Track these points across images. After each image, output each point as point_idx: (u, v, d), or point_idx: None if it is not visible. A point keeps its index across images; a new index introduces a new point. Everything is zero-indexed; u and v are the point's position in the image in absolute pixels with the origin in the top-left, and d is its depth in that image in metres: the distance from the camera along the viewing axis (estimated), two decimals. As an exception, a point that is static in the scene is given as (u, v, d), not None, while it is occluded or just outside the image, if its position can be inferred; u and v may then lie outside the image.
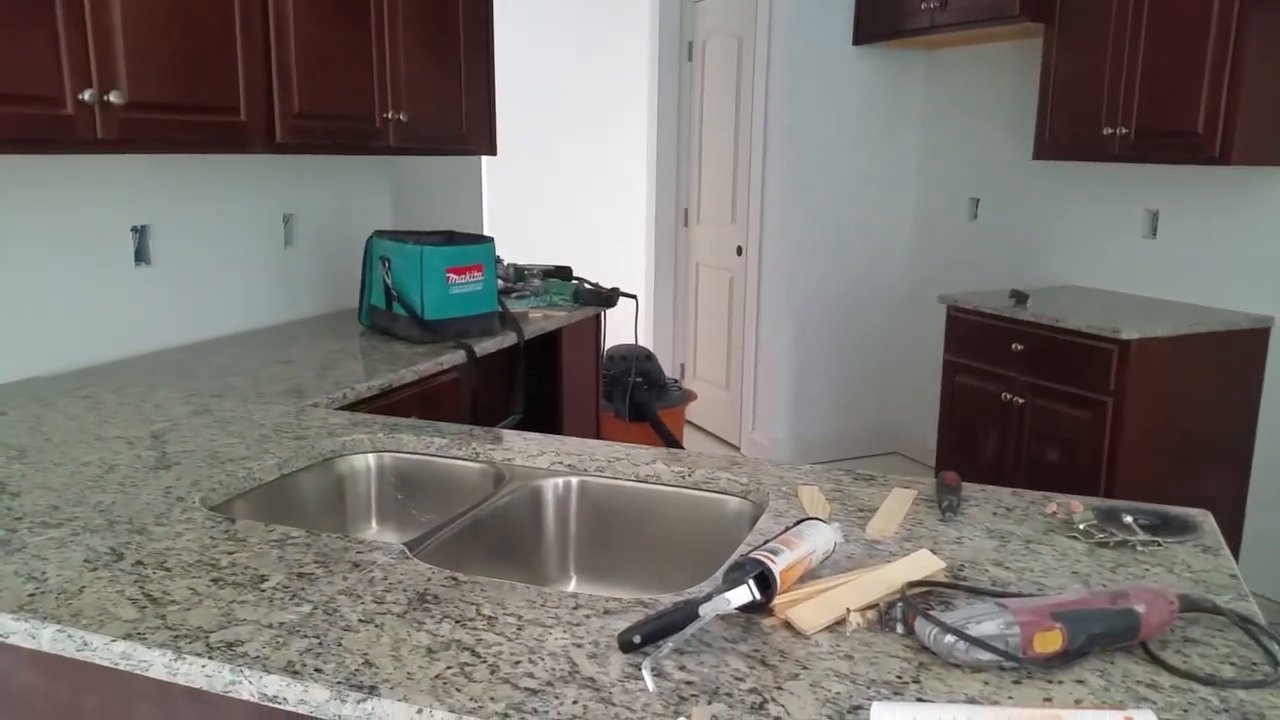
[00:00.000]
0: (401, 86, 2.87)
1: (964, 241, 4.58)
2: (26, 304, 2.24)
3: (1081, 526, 1.35)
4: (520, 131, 6.09)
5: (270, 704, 0.98)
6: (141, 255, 2.53)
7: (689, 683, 0.97)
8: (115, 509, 1.43)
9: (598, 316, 3.55)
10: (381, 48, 2.78)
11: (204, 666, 1.00)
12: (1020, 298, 3.47)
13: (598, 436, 3.72)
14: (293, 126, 2.46)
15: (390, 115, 2.84)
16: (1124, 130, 3.27)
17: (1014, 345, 3.41)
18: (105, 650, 1.06)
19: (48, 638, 1.09)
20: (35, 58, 1.81)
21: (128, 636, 1.05)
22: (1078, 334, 3.16)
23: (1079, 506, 1.40)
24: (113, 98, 1.95)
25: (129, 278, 2.50)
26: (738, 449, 5.14)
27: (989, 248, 4.44)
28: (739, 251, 4.99)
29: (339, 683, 0.96)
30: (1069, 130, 3.51)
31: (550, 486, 1.69)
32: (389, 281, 2.71)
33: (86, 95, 1.91)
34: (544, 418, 3.32)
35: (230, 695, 1.00)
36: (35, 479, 1.56)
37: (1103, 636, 1.01)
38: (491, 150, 3.43)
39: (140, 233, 2.52)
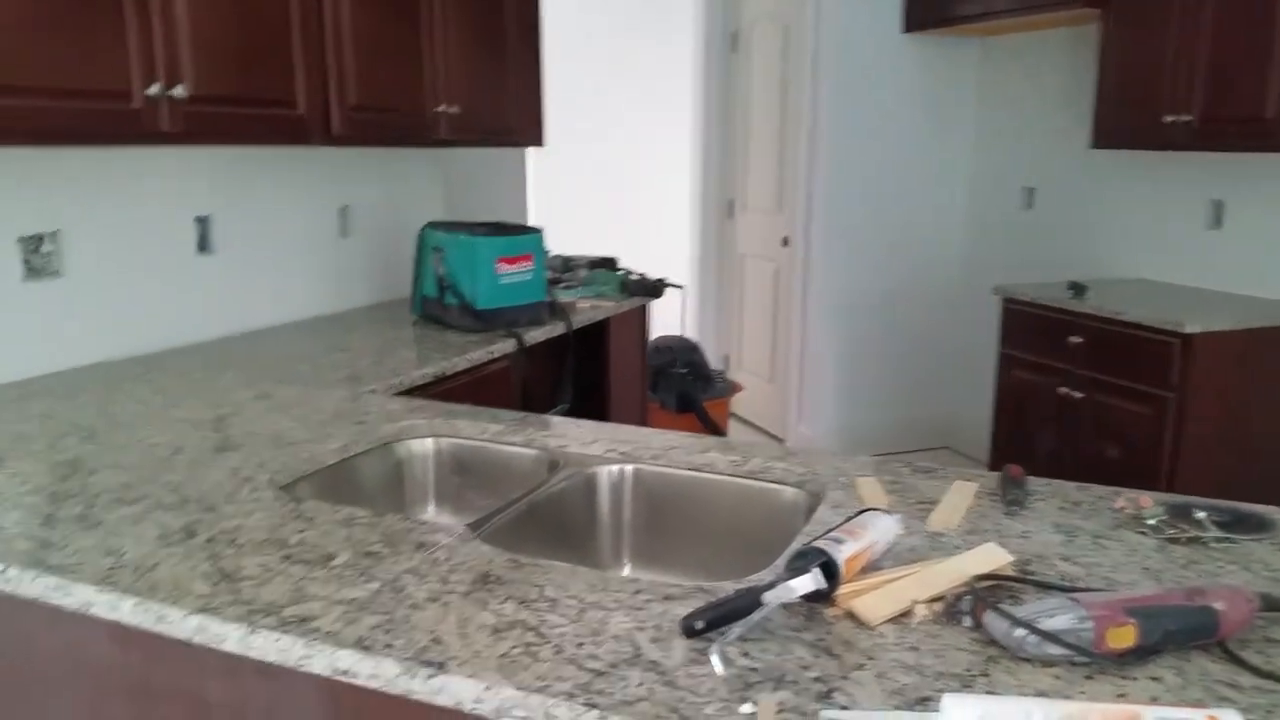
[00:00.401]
0: (452, 79, 2.89)
1: (1018, 232, 4.52)
2: (96, 291, 2.29)
3: (1152, 522, 1.33)
4: (564, 122, 6.10)
5: (342, 678, 1.00)
6: (204, 245, 2.57)
7: (753, 669, 0.97)
8: (186, 488, 1.46)
9: (644, 307, 3.56)
10: (432, 41, 2.80)
11: (277, 640, 1.02)
12: (1078, 289, 3.41)
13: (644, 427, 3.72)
14: (348, 119, 2.49)
15: (442, 108, 2.86)
16: (1186, 117, 3.19)
17: (1071, 338, 3.36)
18: (181, 623, 1.08)
19: (127, 610, 1.12)
20: (106, 54, 1.85)
21: (203, 610, 1.08)
22: (1139, 327, 3.11)
23: (1149, 501, 1.38)
24: (178, 91, 1.99)
25: (192, 267, 2.55)
26: (782, 442, 5.12)
27: (1044, 238, 4.37)
28: (785, 242, 4.96)
29: (409, 658, 0.98)
30: (1128, 118, 3.44)
31: (605, 474, 1.70)
32: (441, 272, 2.73)
33: (153, 89, 1.94)
34: (591, 408, 3.33)
35: (302, 669, 1.02)
36: (107, 459, 1.59)
37: (1179, 634, 0.99)
38: (539, 141, 3.44)
39: (203, 223, 2.56)
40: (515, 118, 3.25)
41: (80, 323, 2.27)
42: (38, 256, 2.15)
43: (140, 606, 1.11)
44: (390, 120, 2.67)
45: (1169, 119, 3.25)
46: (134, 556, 1.22)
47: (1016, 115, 4.48)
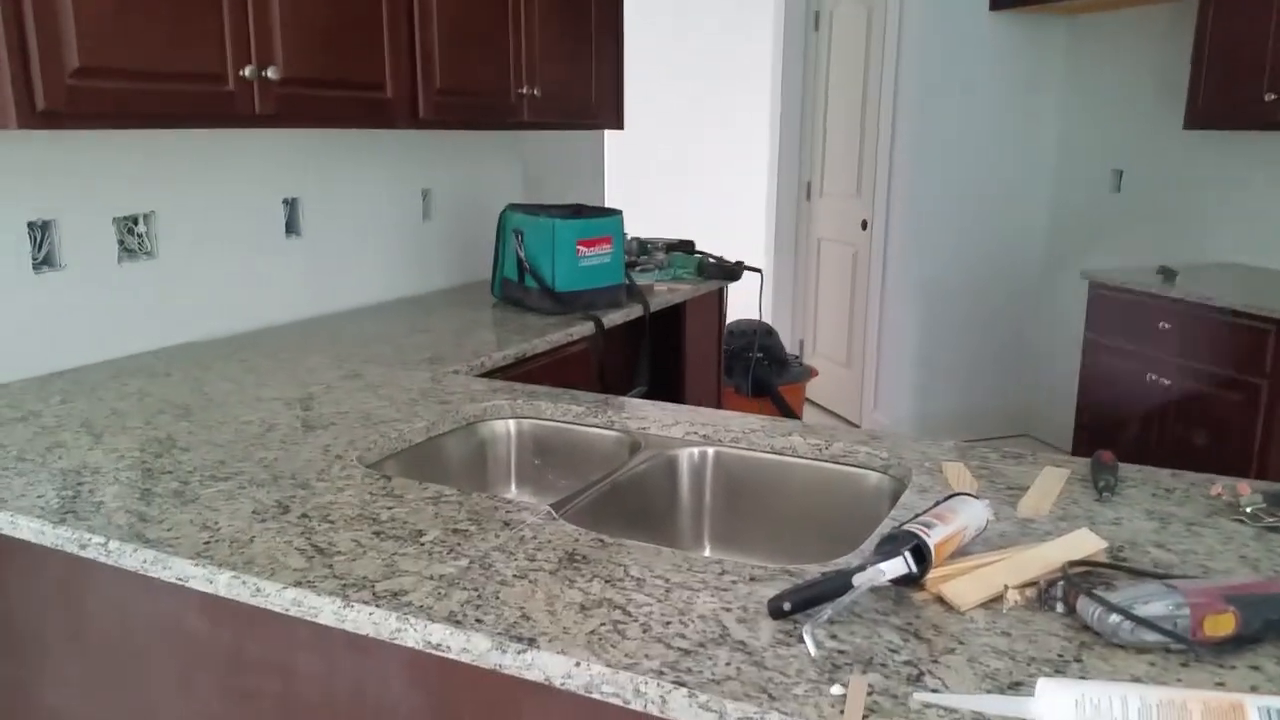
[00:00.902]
0: (536, 62, 2.91)
1: (1106, 215, 4.39)
2: (188, 272, 2.37)
3: (1249, 510, 1.29)
4: (642, 105, 6.10)
5: (434, 651, 1.02)
6: (292, 227, 2.64)
7: (841, 651, 0.96)
8: (278, 465, 1.50)
9: (721, 291, 3.54)
10: (518, 24, 2.82)
11: (371, 614, 1.05)
12: (1169, 274, 3.31)
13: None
14: (435, 102, 2.52)
15: (525, 90, 2.87)
16: (1289, 96, 3.07)
17: (1161, 324, 3.26)
18: (277, 596, 1.11)
19: (223, 583, 1.15)
20: (200, 36, 1.90)
21: (298, 584, 1.11)
22: (1231, 313, 3.01)
23: (1247, 489, 1.34)
24: (269, 73, 2.03)
25: (281, 249, 2.61)
26: (857, 427, 5.06)
27: (1133, 222, 4.24)
28: (864, 226, 4.90)
29: (499, 634, 0.99)
30: (1225, 96, 3.32)
31: (685, 456, 1.70)
32: (522, 254, 2.75)
33: (246, 71, 1.99)
34: (666, 391, 3.34)
35: (395, 642, 1.04)
36: (201, 436, 1.65)
37: (1280, 623, 0.96)
38: (619, 124, 3.45)
39: (290, 205, 2.63)
40: (595, 100, 3.26)
41: (173, 303, 2.34)
42: (132, 238, 2.23)
43: (237, 579, 1.14)
44: (475, 103, 2.69)
45: (1270, 97, 3.13)
46: (229, 531, 1.26)
47: (1105, 96, 4.35)
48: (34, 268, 2.04)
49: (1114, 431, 3.53)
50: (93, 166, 2.13)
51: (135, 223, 2.23)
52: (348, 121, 2.31)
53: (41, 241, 2.05)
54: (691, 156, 6.45)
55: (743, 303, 4.81)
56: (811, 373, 4.71)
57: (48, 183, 2.05)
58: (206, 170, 2.39)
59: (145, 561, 1.21)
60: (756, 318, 4.56)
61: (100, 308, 2.18)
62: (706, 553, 1.72)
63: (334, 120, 2.26)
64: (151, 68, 1.82)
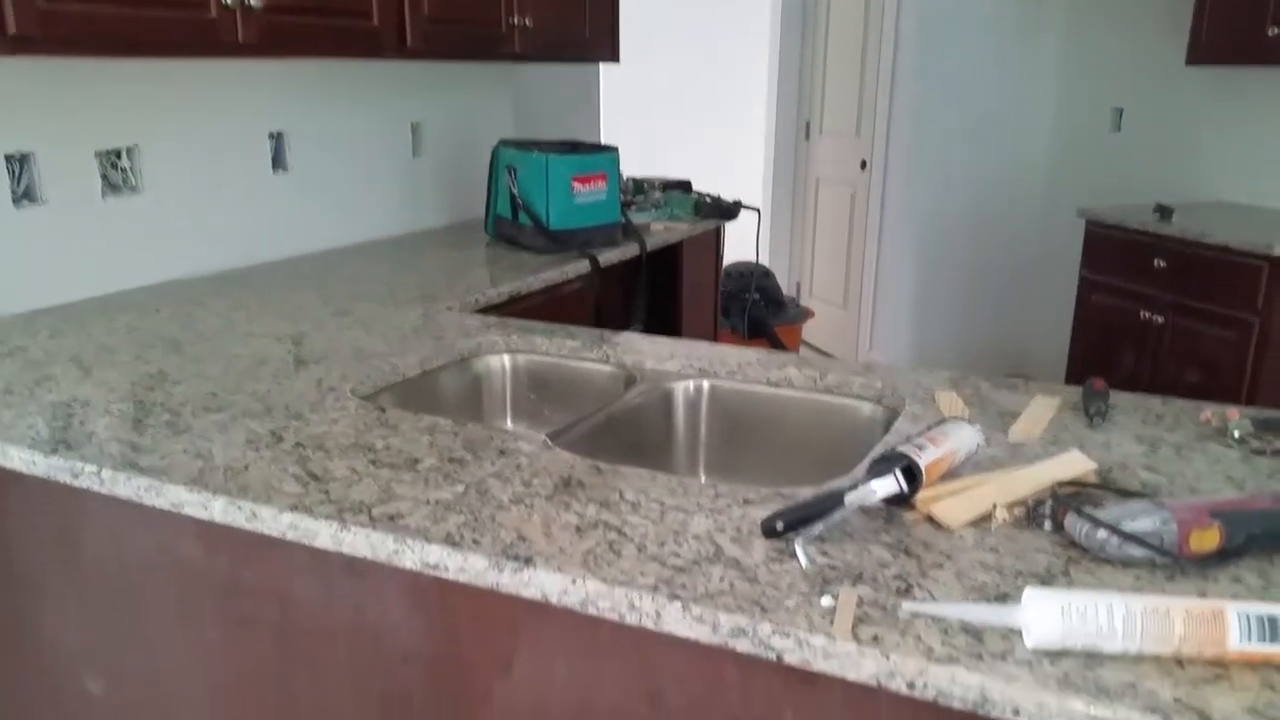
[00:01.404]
0: (527, -8, 2.86)
1: (1105, 154, 4.36)
2: (174, 208, 2.34)
3: (1237, 434, 1.30)
4: (638, 39, 6.00)
5: (432, 572, 1.03)
6: (278, 162, 2.61)
7: (832, 567, 0.98)
8: (271, 397, 1.50)
9: (718, 230, 3.52)
10: (507, -49, 2.76)
11: (368, 536, 1.06)
12: (1165, 212, 3.30)
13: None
14: (423, 32, 2.47)
15: (516, 21, 2.82)
16: (1291, 29, 3.04)
17: (1156, 261, 3.26)
18: (274, 521, 1.12)
19: (219, 509, 1.16)
20: (182, -38, 1.86)
21: (294, 508, 1.11)
22: (1225, 249, 3.00)
23: (1235, 414, 1.34)
24: (252, 1, 1.99)
25: (267, 184, 2.58)
26: (854, 368, 5.07)
27: (1132, 160, 4.21)
28: (863, 165, 4.86)
29: (497, 554, 1.00)
30: (1228, 31, 3.28)
31: (681, 389, 1.71)
32: (515, 191, 2.73)
33: (228, -2, 1.95)
34: (662, 331, 3.33)
35: (393, 564, 1.05)
36: (192, 369, 1.64)
37: (1263, 537, 0.97)
38: (615, 57, 3.40)
39: (277, 140, 2.59)
40: (589, 32, 3.20)
41: (160, 238, 2.32)
42: (116, 172, 2.20)
43: (232, 505, 1.15)
44: (464, 33, 2.65)
45: (1274, 31, 3.09)
46: (223, 460, 1.26)
47: (1107, 33, 4.29)
48: (14, 202, 2.01)
49: (1107, 369, 3.54)
50: (72, 99, 2.09)
51: (118, 157, 2.21)
52: (333, 51, 2.27)
53: (20, 175, 2.02)
54: (689, 94, 6.37)
55: (740, 245, 4.79)
56: (808, 314, 4.71)
57: (25, 115, 2.01)
58: (190, 103, 2.35)
59: (139, 489, 1.21)
60: (754, 260, 4.55)
61: (85, 243, 2.16)
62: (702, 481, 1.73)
63: (319, 49, 2.22)
64: (131, -7, 1.77)
